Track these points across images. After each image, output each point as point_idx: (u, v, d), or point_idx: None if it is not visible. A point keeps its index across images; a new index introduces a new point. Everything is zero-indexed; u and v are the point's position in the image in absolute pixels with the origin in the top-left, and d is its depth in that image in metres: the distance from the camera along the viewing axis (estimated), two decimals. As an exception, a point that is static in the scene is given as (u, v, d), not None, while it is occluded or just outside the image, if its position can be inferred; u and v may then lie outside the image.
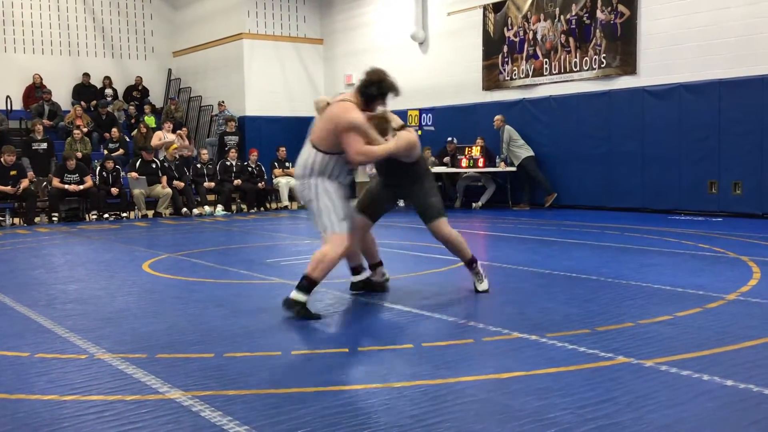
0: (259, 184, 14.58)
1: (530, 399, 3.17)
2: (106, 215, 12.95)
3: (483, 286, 5.51)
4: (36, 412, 3.14)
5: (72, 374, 3.68)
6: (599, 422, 2.91)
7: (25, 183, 12.21)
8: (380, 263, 5.61)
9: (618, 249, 7.86)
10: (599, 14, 12.48)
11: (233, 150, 14.87)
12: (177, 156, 14.16)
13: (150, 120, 16.87)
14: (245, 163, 14.72)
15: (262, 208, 14.66)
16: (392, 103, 14.88)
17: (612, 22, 12.30)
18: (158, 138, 15.09)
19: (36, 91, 16.88)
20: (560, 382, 3.40)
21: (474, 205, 13.81)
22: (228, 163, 14.50)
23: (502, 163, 13.37)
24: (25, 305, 5.38)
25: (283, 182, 14.90)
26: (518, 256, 7.53)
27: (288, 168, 15.27)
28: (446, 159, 14.05)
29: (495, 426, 2.89)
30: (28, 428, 2.95)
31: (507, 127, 13.41)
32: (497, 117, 13.55)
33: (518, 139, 13.33)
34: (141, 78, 18.59)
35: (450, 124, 14.47)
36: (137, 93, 18.42)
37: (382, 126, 5.04)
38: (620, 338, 4.16)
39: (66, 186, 12.64)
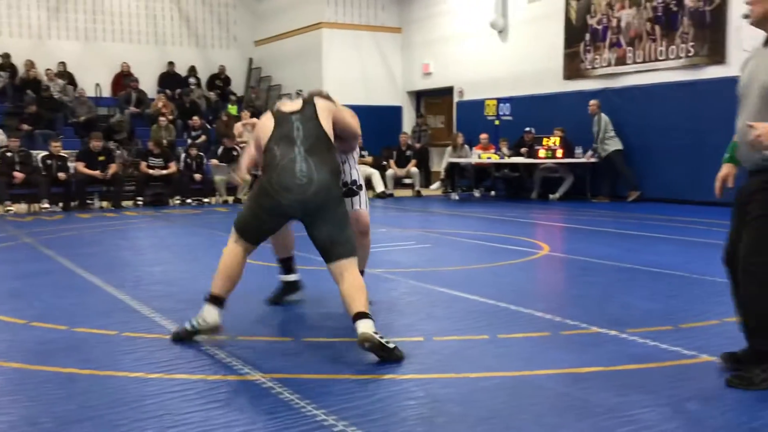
0: (336, 172, 14.69)
1: (609, 395, 3.11)
2: (189, 200, 13.34)
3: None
4: (123, 389, 3.27)
5: (157, 353, 3.82)
6: (680, 421, 2.83)
7: (113, 168, 12.68)
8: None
9: (705, 244, 7.60)
10: (687, 1, 12.03)
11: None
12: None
13: (233, 109, 17.23)
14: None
15: (338, 196, 14.77)
16: (470, 92, 14.93)
17: (701, 9, 11.85)
18: (238, 129, 15.44)
19: (124, 80, 17.49)
20: (641, 379, 3.32)
21: (551, 196, 13.58)
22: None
23: (589, 153, 12.96)
24: (114, 286, 5.60)
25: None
26: (597, 249, 7.38)
27: (364, 156, 15.36)
28: (523, 149, 13.86)
29: (573, 420, 2.85)
30: (117, 404, 3.08)
31: (603, 115, 12.90)
32: (593, 102, 13.00)
33: (611, 129, 12.86)
34: (224, 67, 19.00)
35: (529, 114, 14.24)
36: (220, 81, 18.85)
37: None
38: (704, 336, 4.03)
39: (150, 171, 13.09)
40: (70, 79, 16.96)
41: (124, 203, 12.89)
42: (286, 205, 3.98)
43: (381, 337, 3.63)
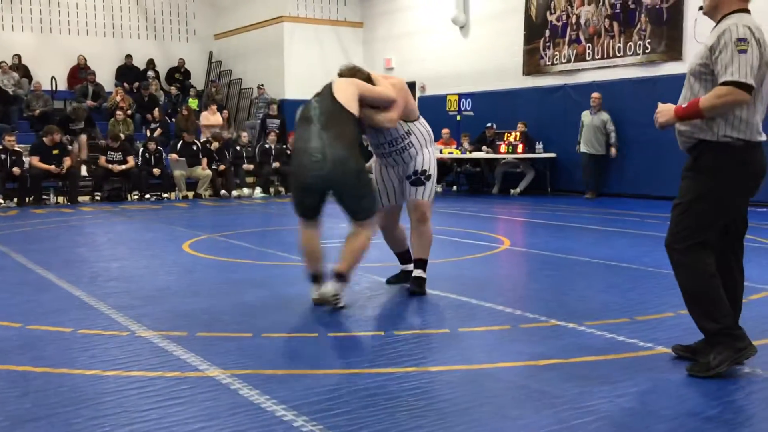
0: (298, 167, 14.62)
1: (568, 386, 3.15)
2: (147, 195, 13.15)
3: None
4: (79, 387, 3.21)
5: (114, 350, 3.76)
6: (637, 411, 2.88)
7: (68, 162, 12.43)
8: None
9: (660, 238, 7.69)
10: (645, -2, 12.23)
11: (273, 133, 14.98)
12: (218, 138, 14.25)
13: (193, 102, 17.03)
14: (284, 146, 14.80)
15: (300, 191, 14.70)
16: (432, 88, 15.03)
17: (658, 6, 12.04)
18: (206, 119, 15.38)
19: (80, 73, 17.15)
20: (598, 371, 3.37)
21: (512, 191, 13.69)
22: (267, 146, 14.60)
23: (613, 149, 12.42)
24: (69, 282, 5.50)
25: (321, 165, 14.93)
26: (557, 243, 7.47)
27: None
28: (485, 148, 13.93)
29: (531, 412, 2.88)
30: (72, 402, 3.02)
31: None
32: (596, 95, 12.51)
33: (613, 130, 12.46)
34: (183, 60, 18.75)
35: (490, 110, 14.35)
36: (179, 75, 18.60)
37: None
38: (660, 328, 4.10)
39: (109, 165, 12.88)
40: (24, 72, 16.58)
41: (81, 198, 12.66)
42: (309, 183, 4.43)
43: (337, 301, 4.45)
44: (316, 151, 4.33)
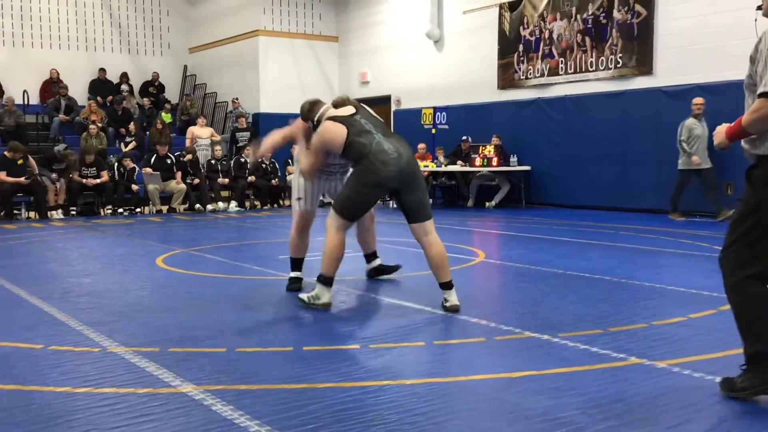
0: (273, 181, 14.62)
1: (541, 398, 3.16)
2: (120, 210, 13.02)
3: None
4: (49, 404, 3.16)
5: (85, 367, 3.70)
6: (610, 422, 2.89)
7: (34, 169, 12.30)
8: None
9: (632, 250, 7.81)
10: (616, 14, 12.40)
11: (248, 147, 14.94)
12: (192, 152, 14.19)
13: (167, 116, 16.93)
14: (259, 160, 14.76)
15: (275, 205, 14.70)
16: (407, 101, 15.13)
17: (629, 22, 12.23)
18: (191, 134, 15.34)
19: (52, 86, 17.00)
20: (572, 382, 3.38)
21: (487, 204, 13.77)
22: (242, 160, 14.55)
23: (695, 158, 10.59)
24: (40, 298, 5.43)
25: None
26: (531, 255, 7.51)
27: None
28: (459, 162, 13.99)
29: (505, 425, 2.89)
30: (41, 420, 2.97)
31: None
32: (700, 100, 10.85)
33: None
34: (158, 74, 18.66)
35: (464, 123, 14.44)
36: (153, 89, 18.50)
37: None
38: (633, 339, 4.14)
39: (83, 180, 12.75)
40: (-4, 86, 16.42)
41: (53, 213, 12.50)
42: (387, 177, 4.77)
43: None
44: (392, 150, 4.81)
